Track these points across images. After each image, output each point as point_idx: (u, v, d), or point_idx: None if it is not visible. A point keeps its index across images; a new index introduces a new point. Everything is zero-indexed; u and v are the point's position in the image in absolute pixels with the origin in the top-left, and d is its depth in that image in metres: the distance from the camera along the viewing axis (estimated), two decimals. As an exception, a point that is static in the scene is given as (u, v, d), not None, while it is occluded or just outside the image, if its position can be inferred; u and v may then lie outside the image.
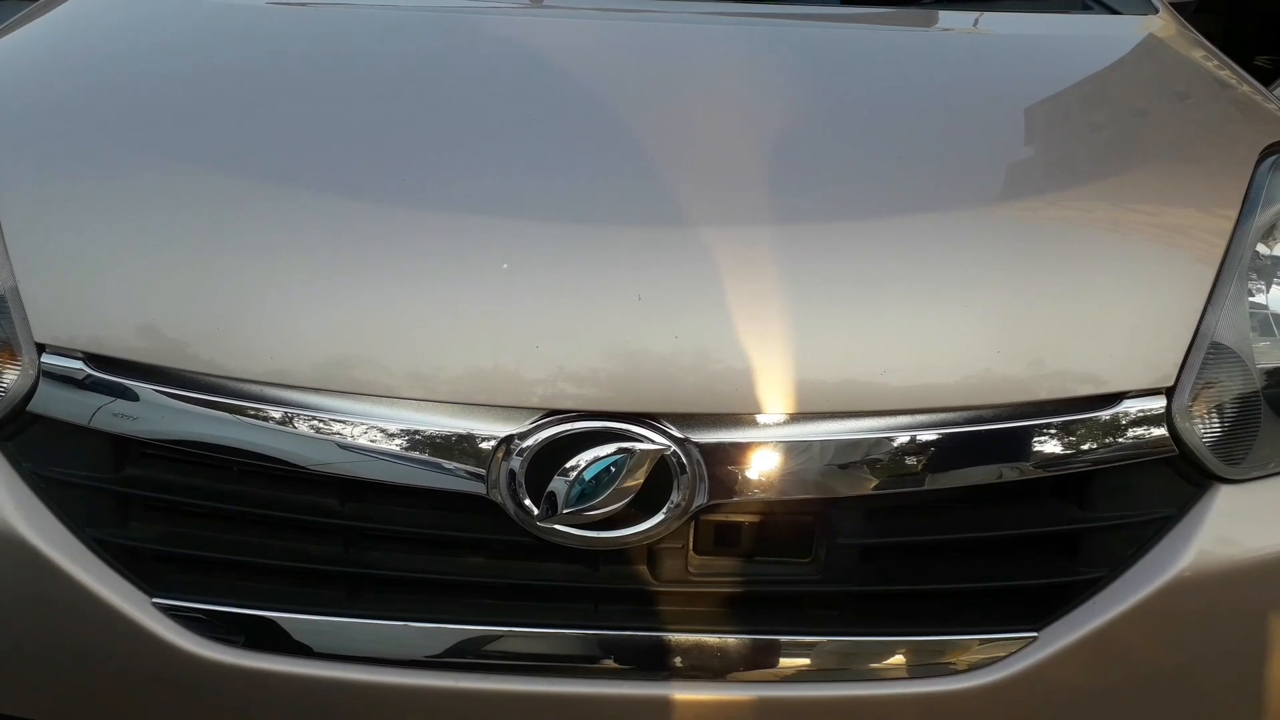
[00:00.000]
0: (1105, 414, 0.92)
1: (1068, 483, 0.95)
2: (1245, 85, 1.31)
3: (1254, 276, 1.00)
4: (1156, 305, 0.96)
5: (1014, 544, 0.96)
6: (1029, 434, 0.91)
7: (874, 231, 0.94)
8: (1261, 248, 1.02)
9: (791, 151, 1.03)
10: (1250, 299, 0.99)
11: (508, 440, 0.86)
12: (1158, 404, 0.93)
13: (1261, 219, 1.03)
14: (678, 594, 0.92)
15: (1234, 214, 1.02)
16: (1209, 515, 0.94)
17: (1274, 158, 1.10)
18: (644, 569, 0.91)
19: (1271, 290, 1.01)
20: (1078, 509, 0.95)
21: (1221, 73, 1.32)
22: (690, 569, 0.91)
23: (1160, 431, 0.93)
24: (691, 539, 0.91)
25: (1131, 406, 0.93)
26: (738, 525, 0.92)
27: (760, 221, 0.94)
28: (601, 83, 1.12)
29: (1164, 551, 0.94)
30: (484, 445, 0.86)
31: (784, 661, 0.92)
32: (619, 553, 0.90)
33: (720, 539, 0.93)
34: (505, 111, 1.08)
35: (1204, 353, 0.95)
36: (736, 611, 0.93)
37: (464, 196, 0.97)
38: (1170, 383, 0.94)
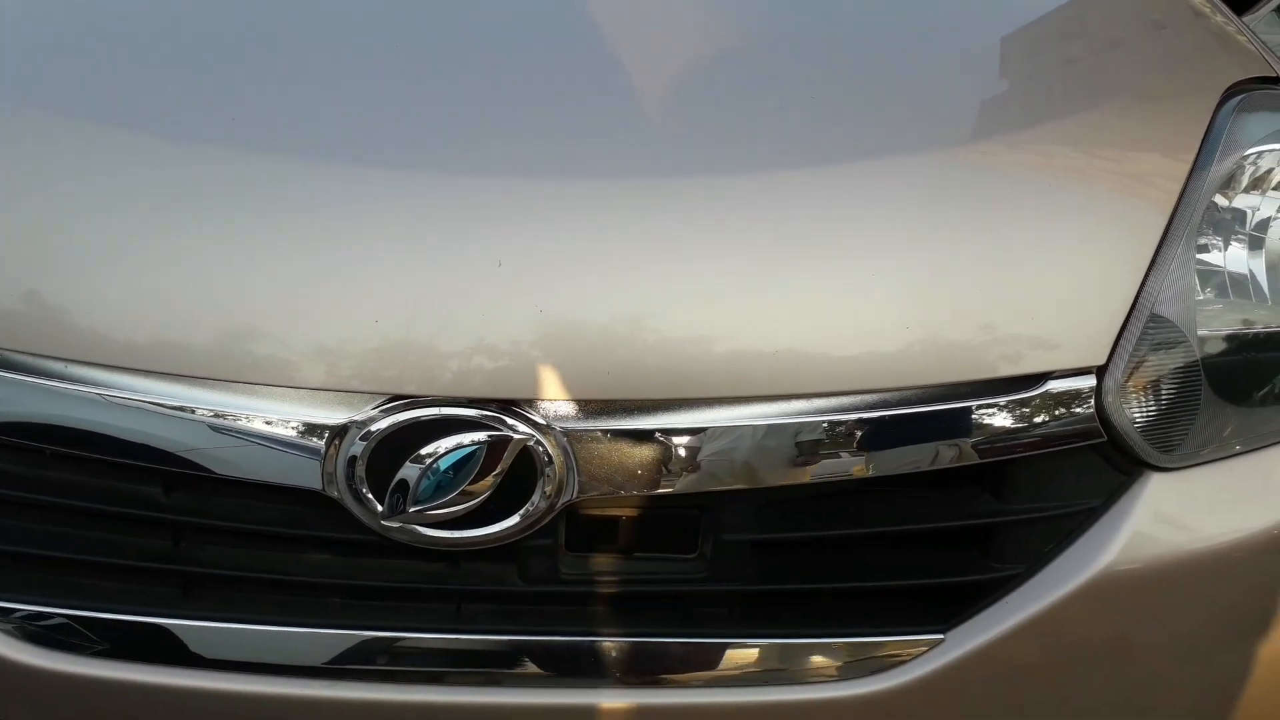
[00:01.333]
0: (1026, 396, 0.82)
1: (983, 472, 0.86)
2: (1218, 16, 1.18)
3: (1206, 236, 0.89)
4: (1091, 272, 0.85)
5: (922, 539, 0.87)
6: (938, 420, 0.81)
7: (771, 188, 0.82)
8: (1218, 201, 0.90)
9: (689, 92, 0.90)
10: (1200, 263, 0.88)
11: (344, 429, 0.75)
12: (1086, 384, 0.83)
13: (1219, 169, 0.91)
14: (548, 594, 0.83)
15: (1188, 164, 0.90)
16: (1137, 507, 0.85)
17: (1239, 98, 0.98)
18: (510, 568, 0.82)
19: (1225, 252, 0.90)
20: (993, 500, 0.86)
21: (1190, 2, 1.19)
22: (562, 568, 0.82)
23: (1088, 415, 0.84)
24: (563, 535, 0.81)
25: (1056, 387, 0.83)
26: (615, 520, 0.83)
27: (645, 174, 0.81)
28: (474, 7, 0.98)
29: (1085, 547, 0.85)
30: (318, 434, 0.76)
31: (665, 665, 0.83)
32: (483, 551, 0.80)
33: (596, 535, 0.83)
34: (350, 38, 0.94)
35: (1142, 325, 0.85)
36: (614, 612, 0.84)
37: (295, 139, 0.83)
38: (1101, 360, 0.83)
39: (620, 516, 0.82)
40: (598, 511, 0.82)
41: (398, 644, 0.82)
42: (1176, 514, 0.86)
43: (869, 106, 0.90)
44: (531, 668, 0.82)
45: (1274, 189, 0.93)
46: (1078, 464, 0.86)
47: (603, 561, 0.83)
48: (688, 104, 0.87)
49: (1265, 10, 3.96)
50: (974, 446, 0.82)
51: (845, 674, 0.84)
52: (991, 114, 0.91)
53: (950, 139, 0.87)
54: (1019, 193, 0.86)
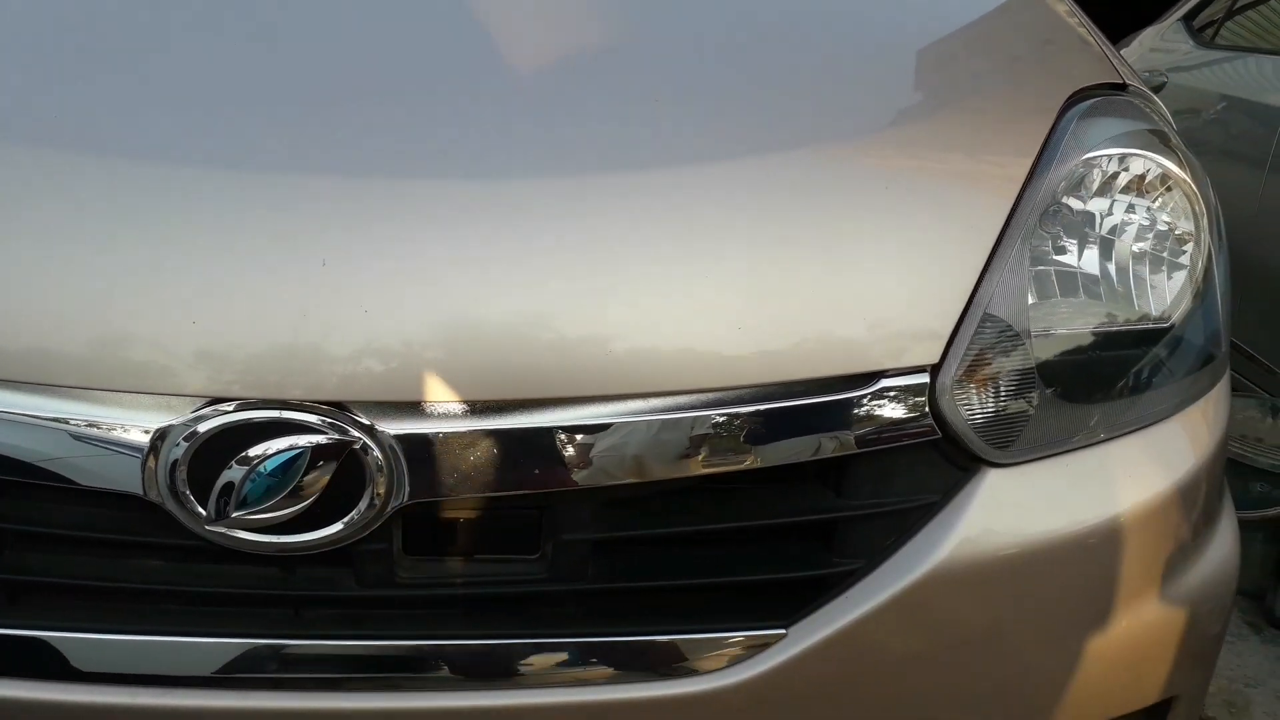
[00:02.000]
0: (859, 395, 0.83)
1: (826, 468, 0.87)
2: (1075, 23, 1.21)
3: (1042, 238, 0.91)
4: (927, 273, 0.86)
5: (766, 535, 0.88)
6: (771, 418, 0.82)
7: (605, 189, 0.82)
8: (1055, 203, 0.92)
9: (529, 92, 0.89)
10: (1035, 265, 0.90)
11: (165, 432, 0.74)
12: (919, 383, 0.85)
13: (1057, 173, 0.93)
14: (385, 599, 0.82)
15: (1026, 168, 0.92)
16: (974, 502, 0.87)
17: (1084, 104, 1.01)
18: (346, 573, 0.81)
19: (1060, 253, 0.92)
20: (835, 496, 0.88)
21: (1056, 17, 1.21)
22: (399, 571, 0.81)
23: (921, 413, 0.85)
24: (399, 539, 0.81)
25: (890, 386, 0.84)
26: (454, 523, 0.83)
27: (477, 176, 0.81)
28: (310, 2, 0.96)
29: (924, 541, 0.86)
30: (138, 438, 0.74)
31: (507, 667, 0.83)
32: (320, 556, 0.79)
33: (435, 538, 0.83)
34: (178, 35, 0.92)
35: (975, 326, 0.86)
36: (455, 615, 0.83)
37: (108, 134, 0.81)
38: (935, 360, 0.85)
39: (459, 519, 0.82)
40: (434, 515, 0.81)
41: (231, 650, 0.80)
42: (1013, 509, 0.88)
43: (712, 108, 0.90)
44: (368, 672, 0.81)
45: (1109, 192, 0.95)
46: (916, 460, 0.88)
47: (442, 564, 0.83)
48: (526, 104, 0.87)
49: (1171, 21, 4.10)
50: (809, 444, 0.83)
51: (689, 670, 0.85)
52: (835, 117, 0.92)
53: (791, 142, 0.88)
54: (857, 195, 0.87)
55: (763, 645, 0.85)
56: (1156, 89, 3.89)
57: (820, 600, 0.86)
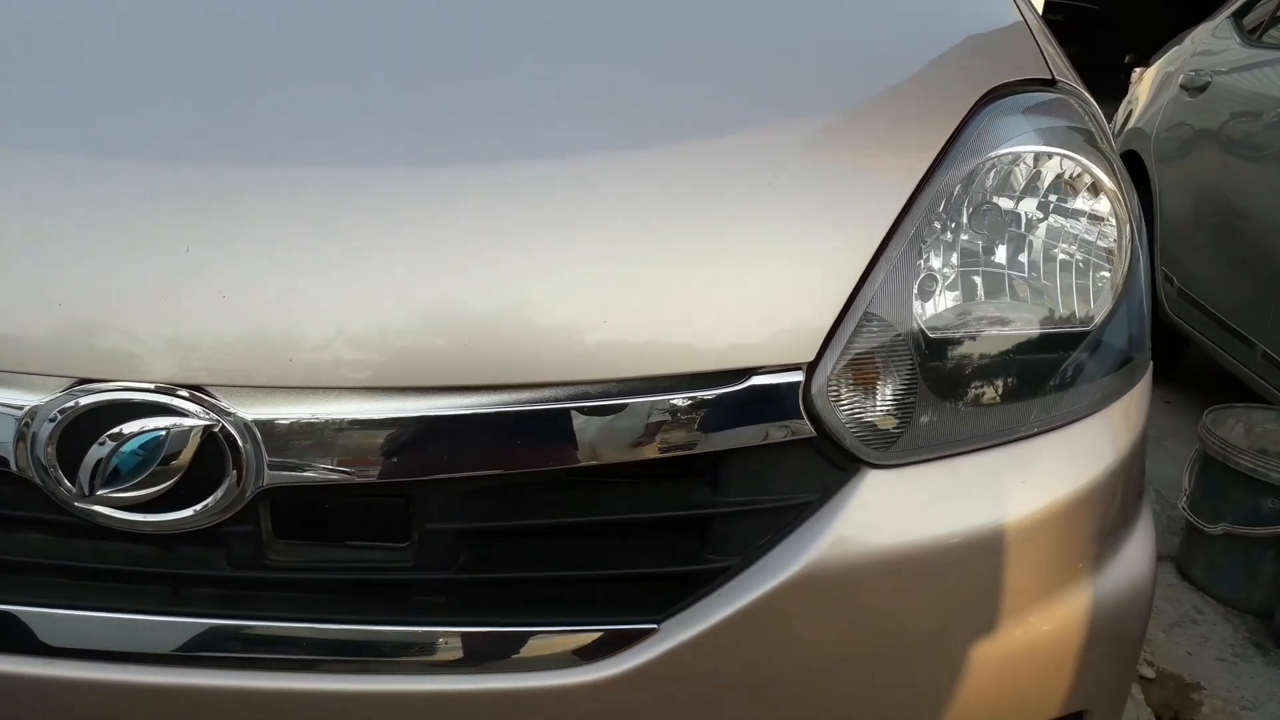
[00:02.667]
0: (731, 391, 0.83)
1: (704, 464, 0.87)
2: (1012, 13, 1.17)
3: (935, 237, 0.90)
4: (807, 269, 0.85)
5: (641, 528, 0.88)
6: (639, 413, 0.82)
7: (475, 179, 0.82)
8: (952, 201, 0.91)
9: (397, 80, 0.90)
10: (924, 264, 0.89)
11: (35, 410, 0.77)
12: (793, 380, 0.84)
13: (958, 171, 0.91)
14: (256, 581, 0.84)
15: (926, 164, 0.90)
16: (851, 503, 0.86)
17: (999, 102, 0.99)
18: (219, 554, 0.83)
19: (952, 253, 0.90)
20: (711, 492, 0.87)
21: (990, 5, 1.18)
22: (270, 554, 0.83)
23: (796, 411, 0.84)
24: (269, 522, 0.83)
25: (764, 383, 0.84)
26: (322, 508, 0.84)
27: (344, 163, 0.82)
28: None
29: (798, 540, 0.85)
30: (9, 415, 0.77)
31: (374, 652, 0.84)
32: (194, 535, 0.82)
33: (305, 523, 0.84)
34: (46, 20, 0.95)
35: (855, 323, 0.85)
36: (326, 599, 0.85)
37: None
38: (810, 357, 0.84)
39: (328, 505, 0.84)
40: (304, 500, 0.83)
41: (115, 625, 0.83)
42: (894, 511, 0.87)
43: (600, 99, 0.90)
44: (233, 652, 0.83)
45: (1020, 191, 0.93)
46: (793, 459, 0.87)
47: (313, 549, 0.84)
48: (405, 94, 0.88)
49: (1221, 19, 3.95)
50: (678, 440, 0.83)
51: (558, 663, 0.85)
52: (730, 108, 0.91)
53: (677, 133, 0.87)
54: (739, 188, 0.86)
55: (633, 640, 0.85)
56: (1199, 90, 3.77)
57: (693, 596, 0.86)
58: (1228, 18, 3.95)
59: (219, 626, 0.82)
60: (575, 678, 0.85)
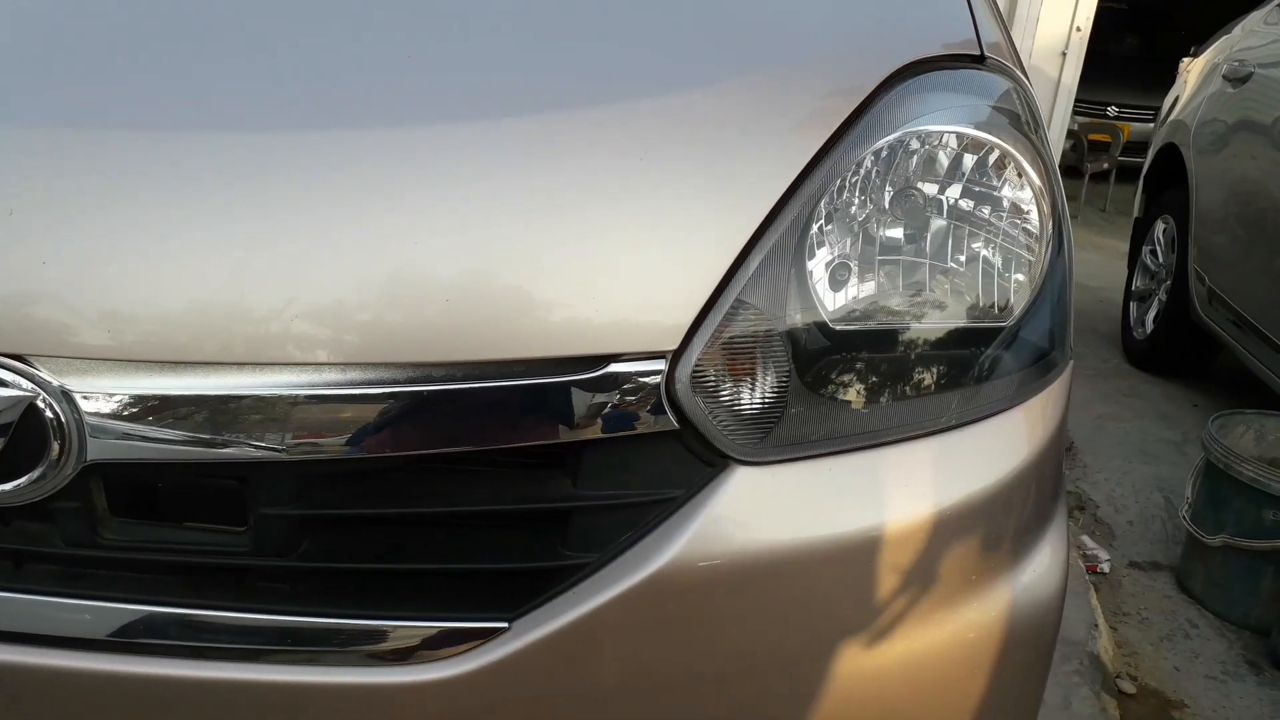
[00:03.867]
0: (587, 378, 0.78)
1: (561, 455, 0.82)
2: None
3: (825, 221, 0.83)
4: (676, 252, 0.79)
5: (500, 520, 0.84)
6: (487, 398, 0.77)
7: (328, 148, 0.78)
8: (846, 187, 0.84)
9: (260, 45, 0.86)
10: (811, 249, 0.83)
11: None
12: (655, 369, 0.79)
13: (857, 152, 0.84)
14: (89, 559, 0.81)
15: (818, 144, 0.84)
16: (715, 501, 0.80)
17: (916, 78, 0.91)
18: (54, 529, 0.80)
19: (842, 241, 0.84)
20: (571, 485, 0.82)
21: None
22: (104, 532, 0.80)
23: (657, 402, 0.79)
24: (102, 499, 0.80)
25: (623, 371, 0.78)
26: (160, 487, 0.81)
27: (184, 128, 0.78)
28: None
29: (659, 539, 0.80)
30: None
31: (207, 639, 0.81)
32: (31, 509, 0.79)
33: (142, 501, 0.81)
34: None
35: (725, 311, 0.80)
36: (161, 581, 0.82)
37: None
38: (674, 345, 0.79)
39: (162, 484, 0.81)
40: (141, 477, 0.80)
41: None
42: (759, 511, 0.81)
43: (466, 65, 0.85)
44: (78, 632, 0.81)
45: (920, 175, 0.86)
46: (656, 452, 0.81)
47: (149, 529, 0.81)
48: (251, 61, 0.84)
49: (1272, 6, 3.77)
50: (528, 429, 0.78)
51: (401, 660, 0.81)
52: (599, 75, 0.85)
53: (543, 103, 0.82)
54: (607, 163, 0.80)
55: (482, 638, 0.81)
56: (1242, 81, 3.60)
57: (547, 594, 0.81)
58: (1277, 5, 3.77)
59: (51, 604, 0.80)
60: (418, 675, 0.81)
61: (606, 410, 0.79)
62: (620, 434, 0.80)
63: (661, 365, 0.79)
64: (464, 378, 0.77)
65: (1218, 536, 2.11)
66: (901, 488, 0.84)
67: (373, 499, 0.82)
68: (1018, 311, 0.88)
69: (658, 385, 0.79)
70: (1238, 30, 3.98)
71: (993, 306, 0.87)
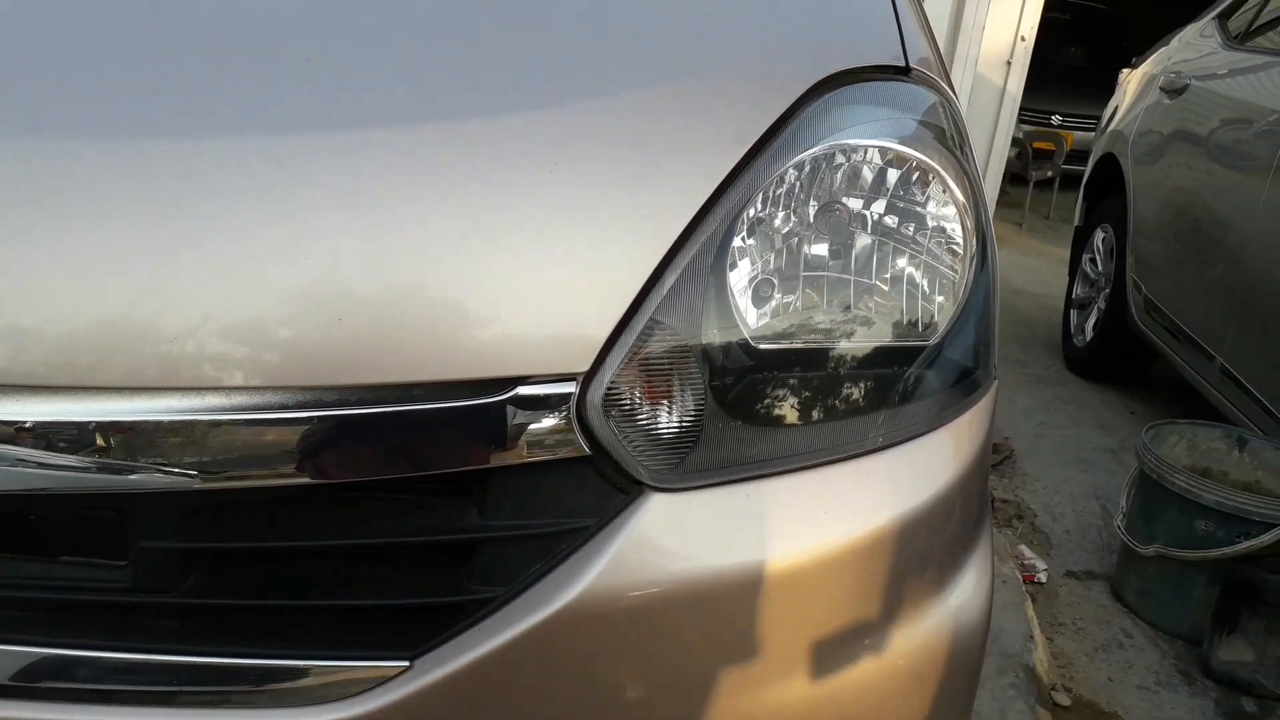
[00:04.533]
0: (495, 401, 0.74)
1: (466, 483, 0.78)
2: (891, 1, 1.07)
3: (744, 237, 0.81)
4: (586, 269, 0.76)
5: (394, 554, 0.80)
6: (384, 424, 0.73)
7: (215, 156, 0.73)
8: (767, 201, 0.81)
9: (158, 36, 0.81)
10: (727, 265, 0.79)
11: None
12: (564, 392, 0.75)
13: (777, 165, 0.81)
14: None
15: (739, 155, 0.82)
16: (629, 530, 0.77)
17: (839, 90, 0.89)
18: None
19: (763, 257, 0.81)
20: (477, 515, 0.79)
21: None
22: (-29, 568, 0.75)
23: (567, 427, 0.76)
24: None
25: (530, 394, 0.75)
26: (27, 517, 0.76)
27: (91, 131, 0.73)
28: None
29: (569, 571, 0.76)
30: None
31: (84, 680, 0.76)
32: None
33: (15, 533, 0.76)
34: None
35: (639, 330, 0.76)
36: (36, 619, 0.77)
37: None
38: (585, 366, 0.75)
39: (33, 514, 0.75)
40: (14, 508, 0.75)
41: None
42: (674, 539, 0.78)
43: (359, 72, 0.81)
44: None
45: (842, 190, 0.84)
46: (567, 480, 0.78)
47: (22, 563, 0.76)
48: (132, 68, 0.79)
49: (1208, 19, 3.84)
50: (431, 455, 0.74)
51: (296, 701, 0.76)
52: (509, 82, 0.81)
53: (447, 111, 0.78)
54: (515, 174, 0.76)
55: (383, 677, 0.77)
56: (1178, 93, 3.66)
57: (451, 631, 0.77)
58: (1213, 18, 3.84)
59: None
60: (312, 718, 0.76)
61: (513, 436, 0.75)
62: (529, 460, 0.76)
63: (572, 388, 0.75)
64: (357, 403, 0.73)
65: (1151, 546, 2.13)
66: (823, 513, 0.81)
67: (264, 530, 0.77)
68: (941, 329, 0.86)
69: (568, 409, 0.75)
70: (1175, 43, 4.06)
71: (916, 324, 0.84)
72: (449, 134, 0.76)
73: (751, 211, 0.81)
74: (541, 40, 0.86)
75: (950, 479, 0.87)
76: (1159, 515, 2.13)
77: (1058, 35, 9.44)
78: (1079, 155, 8.13)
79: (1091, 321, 4.08)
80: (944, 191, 0.87)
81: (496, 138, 0.77)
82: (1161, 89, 3.71)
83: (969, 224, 0.88)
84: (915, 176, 0.86)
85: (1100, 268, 4.09)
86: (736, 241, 0.80)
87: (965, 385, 0.89)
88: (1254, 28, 3.44)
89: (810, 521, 0.81)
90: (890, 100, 0.90)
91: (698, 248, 0.78)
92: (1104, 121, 4.46)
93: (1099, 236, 4.14)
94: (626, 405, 0.77)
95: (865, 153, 0.85)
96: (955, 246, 0.88)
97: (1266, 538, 1.97)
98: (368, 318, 0.72)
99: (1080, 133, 8.52)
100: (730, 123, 0.83)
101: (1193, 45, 3.80)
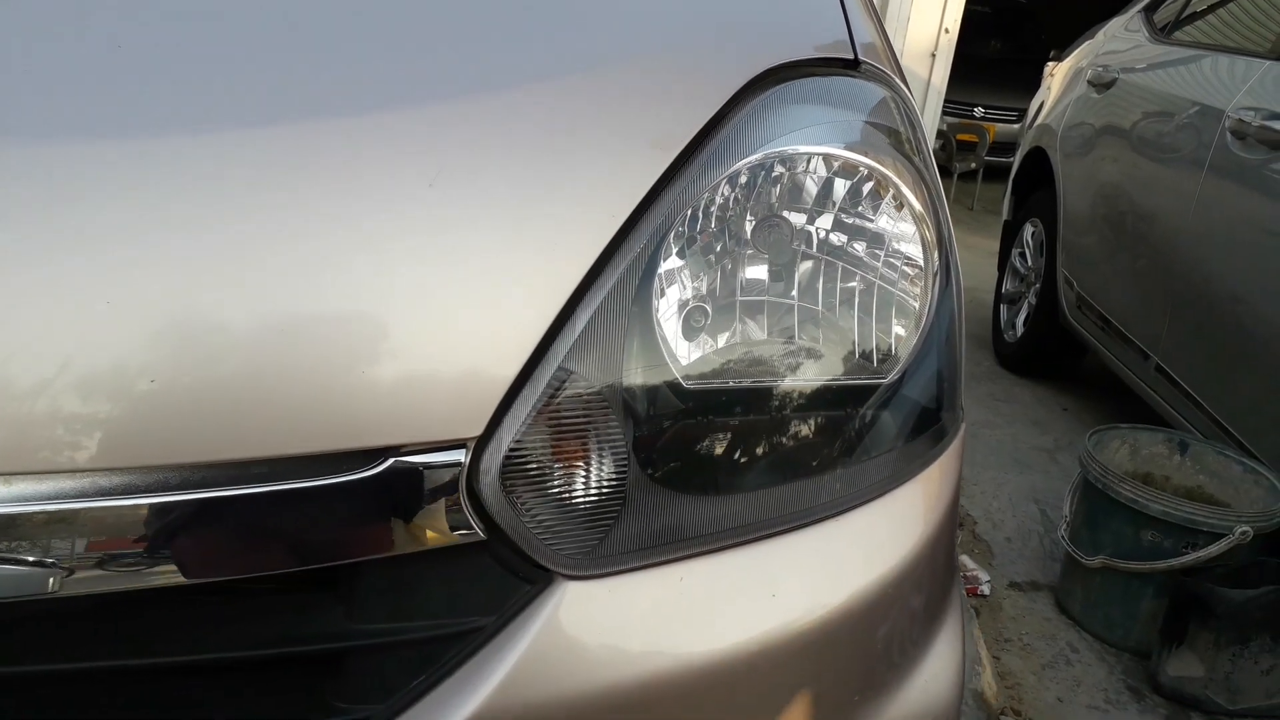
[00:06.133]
0: (361, 478, 0.59)
1: (330, 579, 0.63)
2: None
3: (669, 263, 0.66)
4: (478, 308, 0.61)
5: (240, 667, 0.64)
6: (217, 511, 0.57)
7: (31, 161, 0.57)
8: (696, 221, 0.67)
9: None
10: (653, 294, 0.65)
11: None
12: (451, 462, 0.61)
13: (707, 177, 0.67)
14: None
15: (664, 166, 0.67)
16: (536, 629, 0.63)
17: (779, 88, 0.75)
18: None
19: (687, 284, 0.67)
20: (344, 617, 0.63)
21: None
22: None
23: (456, 505, 0.61)
24: None
25: (409, 465, 0.60)
26: None
27: None
28: None
29: (464, 682, 0.62)
30: None
31: None
32: None
33: None
34: None
35: (545, 383, 0.62)
36: None
37: None
38: (477, 431, 0.61)
39: None
40: None
41: None
42: (593, 637, 0.64)
43: (183, 65, 0.65)
44: None
45: (783, 204, 0.70)
46: (461, 570, 0.63)
47: None
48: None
49: (1133, 13, 3.83)
50: (279, 549, 0.59)
51: None
52: (384, 81, 0.66)
53: (309, 110, 0.62)
54: (385, 195, 0.61)
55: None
56: (1106, 86, 3.63)
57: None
58: (1139, 11, 3.82)
59: None
60: None
61: (385, 520, 0.60)
62: (407, 550, 0.61)
63: (460, 457, 0.61)
64: (181, 485, 0.57)
65: (1096, 558, 2.05)
66: (771, 595, 0.68)
67: (76, 647, 0.61)
68: (902, 363, 0.73)
69: (455, 483, 0.61)
70: (1101, 36, 4.03)
71: (871, 358, 0.71)
72: (296, 137, 0.61)
73: (679, 230, 0.67)
74: (419, 26, 0.70)
75: (916, 545, 0.74)
76: (1104, 525, 2.06)
77: (978, 28, 9.50)
78: (1001, 147, 8.21)
79: (1022, 317, 4.04)
80: (899, 202, 0.74)
81: (356, 142, 0.62)
82: (1089, 82, 3.67)
83: (929, 238, 0.76)
84: (867, 187, 0.73)
85: (1030, 263, 4.06)
86: (663, 265, 0.66)
87: (931, 433, 0.76)
88: (1181, 19, 3.42)
89: (756, 605, 0.67)
90: (837, 98, 0.77)
91: (617, 275, 0.64)
92: (1031, 115, 4.43)
93: (1028, 231, 4.11)
94: (531, 475, 0.63)
95: (809, 161, 0.72)
96: (914, 265, 0.75)
97: (1214, 549, 1.91)
98: (190, 379, 0.56)
99: (1002, 124, 8.59)
100: (653, 126, 0.69)
101: (1119, 38, 3.78)
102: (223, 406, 0.56)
